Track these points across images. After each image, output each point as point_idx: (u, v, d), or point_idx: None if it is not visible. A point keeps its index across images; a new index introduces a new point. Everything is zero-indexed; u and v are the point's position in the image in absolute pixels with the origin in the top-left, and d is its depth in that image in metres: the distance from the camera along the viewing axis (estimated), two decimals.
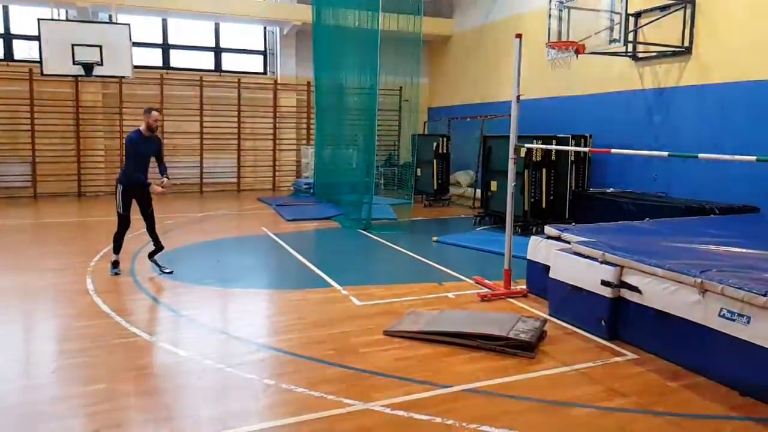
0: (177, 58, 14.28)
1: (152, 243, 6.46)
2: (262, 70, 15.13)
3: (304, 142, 15.20)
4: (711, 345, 3.70)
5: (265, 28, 14.91)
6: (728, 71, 7.91)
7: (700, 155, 4.67)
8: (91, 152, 13.26)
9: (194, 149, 14.07)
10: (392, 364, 3.93)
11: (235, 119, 14.36)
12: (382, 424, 3.15)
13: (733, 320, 3.56)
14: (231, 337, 4.54)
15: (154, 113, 6.21)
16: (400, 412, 3.25)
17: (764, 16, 7.43)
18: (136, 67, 12.73)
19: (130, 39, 11.69)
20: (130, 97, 13.29)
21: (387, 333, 4.48)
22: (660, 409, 3.35)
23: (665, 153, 5.47)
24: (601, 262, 4.49)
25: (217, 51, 14.61)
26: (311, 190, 13.14)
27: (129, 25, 11.81)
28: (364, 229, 9.06)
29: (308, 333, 4.53)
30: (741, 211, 7.19)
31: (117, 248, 6.27)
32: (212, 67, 14.55)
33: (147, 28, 13.79)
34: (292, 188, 14.52)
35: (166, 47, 14.14)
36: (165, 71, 13.86)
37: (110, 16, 12.22)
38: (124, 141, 6.46)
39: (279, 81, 14.79)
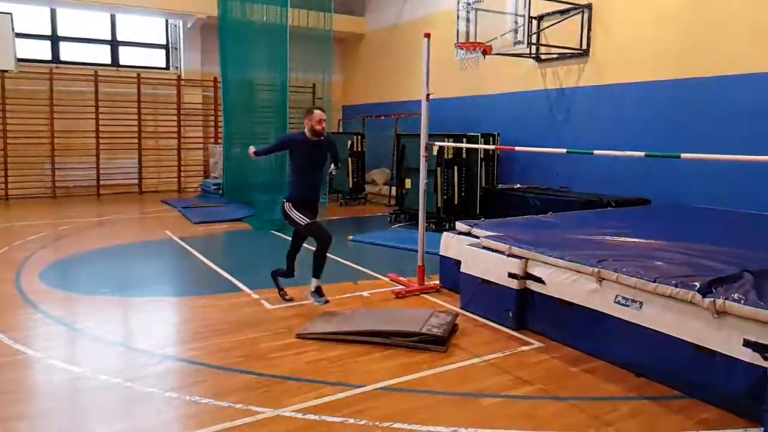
0: (68, 52, 13.28)
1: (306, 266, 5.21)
2: (164, 65, 14.40)
3: (211, 140, 14.62)
4: (608, 330, 3.90)
5: (166, 20, 14.21)
6: (621, 72, 8.44)
7: (595, 152, 4.93)
8: None
9: (89, 149, 13.14)
10: (304, 367, 3.82)
11: (135, 117, 13.56)
12: (293, 429, 3.04)
13: (627, 306, 3.77)
14: (130, 349, 4.25)
15: (317, 113, 4.94)
16: (312, 416, 3.16)
17: (654, 21, 7.99)
18: (20, 60, 11.74)
19: (13, 29, 10.73)
20: (15, 93, 12.21)
21: (299, 336, 4.36)
22: (563, 393, 3.48)
23: (563, 150, 5.74)
24: (508, 256, 4.62)
25: (114, 44, 13.74)
26: (220, 191, 12.67)
27: (11, 14, 10.83)
28: (277, 230, 8.84)
29: (215, 340, 4.32)
30: (635, 204, 7.69)
31: (321, 269, 4.98)
32: (108, 62, 13.65)
33: (33, 18, 12.72)
34: (199, 189, 13.92)
35: (55, 39, 13.12)
36: (55, 65, 12.85)
37: None
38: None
39: (183, 76, 14.14)
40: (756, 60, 6.85)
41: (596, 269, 3.95)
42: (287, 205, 5.03)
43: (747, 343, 3.12)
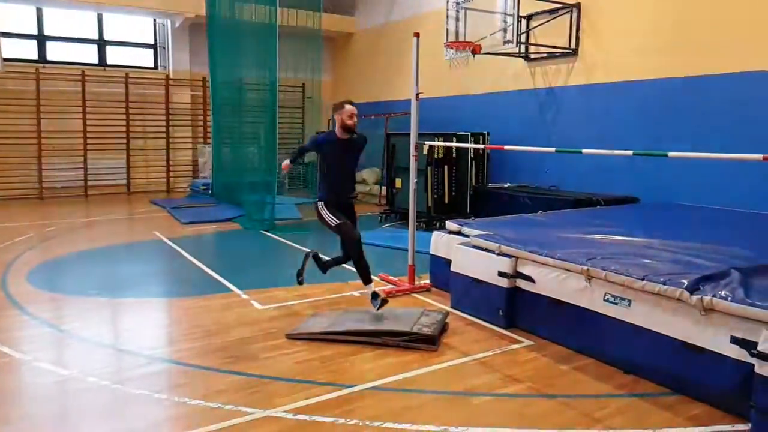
0: (55, 51, 13.15)
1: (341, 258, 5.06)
2: (152, 65, 14.30)
3: (200, 140, 14.54)
4: (598, 328, 3.92)
5: (154, 20, 14.11)
6: (610, 72, 8.48)
7: (584, 150, 4.96)
8: None
9: (77, 150, 13.01)
10: (294, 367, 3.81)
11: (123, 117, 13.45)
12: (283, 430, 3.03)
13: (616, 304, 3.79)
14: (119, 350, 4.21)
15: (348, 107, 4.68)
16: (303, 416, 3.15)
17: (642, 20, 8.03)
18: (6, 60, 11.61)
19: None
20: (1, 93, 12.08)
21: (289, 336, 4.34)
22: (552, 391, 3.50)
23: (552, 149, 5.76)
24: (498, 254, 4.63)
25: (101, 43, 13.62)
26: (210, 191, 12.59)
27: None
28: (267, 230, 8.81)
29: (205, 341, 4.29)
30: (623, 202, 7.74)
31: (367, 275, 4.70)
32: (96, 61, 13.54)
33: (19, 18, 12.58)
34: (188, 189, 13.84)
35: (41, 39, 12.99)
36: (41, 65, 12.71)
37: None
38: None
39: (171, 76, 14.04)
40: (742, 59, 6.91)
41: (585, 267, 3.96)
42: (319, 205, 4.80)
43: (734, 340, 3.14)
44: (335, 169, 4.77)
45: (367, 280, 4.68)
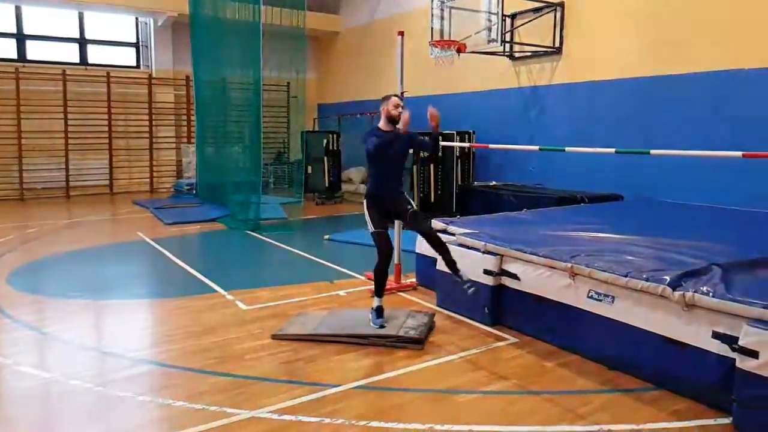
0: (35, 50, 12.96)
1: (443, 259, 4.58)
2: (134, 64, 14.15)
3: (184, 140, 14.41)
4: (582, 325, 3.95)
5: (136, 18, 13.96)
6: (594, 70, 8.55)
7: (567, 149, 5.00)
8: None
9: (58, 150, 12.84)
10: (280, 368, 3.79)
11: (105, 117, 13.29)
12: (269, 430, 3.01)
13: (600, 300, 3.82)
14: (102, 353, 4.16)
15: (394, 98, 4.51)
16: (288, 417, 3.13)
17: (624, 20, 8.10)
18: None
19: None
20: None
21: (275, 337, 4.32)
22: (537, 388, 3.52)
23: (536, 147, 5.79)
24: (483, 252, 4.64)
25: (82, 42, 13.45)
26: (194, 191, 12.49)
27: None
28: (252, 230, 8.76)
29: (189, 342, 4.25)
30: (607, 199, 7.79)
31: (380, 288, 4.50)
32: (77, 60, 13.36)
33: None
34: (172, 190, 13.72)
35: (21, 38, 12.79)
36: (21, 64, 12.52)
37: None
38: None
39: (154, 75, 13.91)
40: (723, 57, 6.99)
41: (569, 265, 3.99)
42: (365, 204, 4.58)
43: (716, 335, 3.18)
44: (380, 164, 4.53)
45: (378, 294, 4.50)
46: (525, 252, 4.36)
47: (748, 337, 2.96)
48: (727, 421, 3.08)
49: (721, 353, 3.15)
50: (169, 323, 4.75)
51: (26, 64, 12.61)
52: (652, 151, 4.15)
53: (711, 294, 3.23)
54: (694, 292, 3.29)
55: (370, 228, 4.52)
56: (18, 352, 4.11)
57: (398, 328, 4.25)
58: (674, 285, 3.40)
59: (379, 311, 4.43)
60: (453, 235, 5.28)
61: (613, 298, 3.75)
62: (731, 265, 3.69)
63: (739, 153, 3.77)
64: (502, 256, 4.54)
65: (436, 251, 4.55)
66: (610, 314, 3.75)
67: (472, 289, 4.33)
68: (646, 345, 3.53)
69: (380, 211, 4.52)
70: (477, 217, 6.15)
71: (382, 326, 4.33)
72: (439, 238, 4.55)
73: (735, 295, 3.16)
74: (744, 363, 2.96)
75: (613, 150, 4.56)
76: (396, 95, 4.68)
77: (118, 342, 4.38)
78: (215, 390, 3.47)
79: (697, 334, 3.27)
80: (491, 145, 5.82)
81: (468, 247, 4.83)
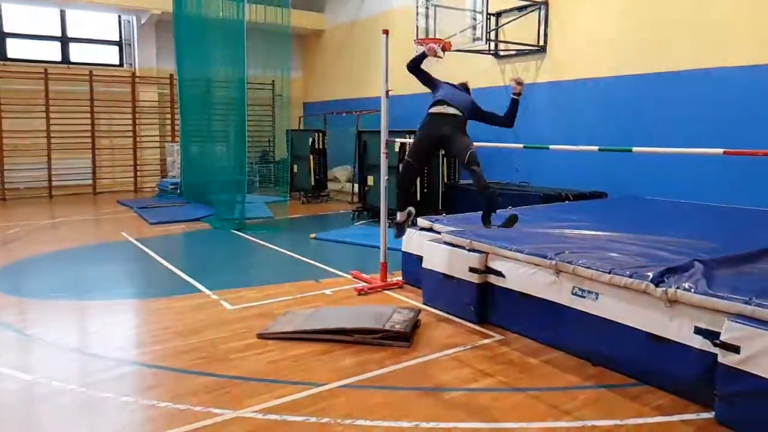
0: (16, 49, 12.76)
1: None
2: (117, 62, 13.99)
3: (168, 139, 14.29)
4: (566, 322, 3.97)
5: (119, 16, 13.80)
6: (578, 69, 8.61)
7: (551, 147, 5.04)
8: None
9: (40, 149, 12.67)
10: (265, 367, 3.77)
11: (88, 115, 13.14)
12: (254, 430, 3.00)
13: (584, 297, 3.85)
14: (85, 354, 4.11)
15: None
16: (274, 416, 3.12)
17: (609, 18, 8.16)
18: None
19: None
20: None
21: (260, 336, 4.30)
22: (522, 385, 3.53)
23: (521, 145, 5.82)
24: (469, 250, 4.65)
25: (64, 40, 13.27)
26: (178, 191, 12.39)
27: None
28: (237, 230, 8.70)
29: (173, 343, 4.22)
30: (591, 197, 7.86)
31: (400, 203, 4.93)
32: (59, 59, 13.20)
33: None
34: (156, 189, 13.59)
35: (1, 36, 12.58)
36: (2, 63, 12.34)
37: None
38: None
39: (137, 74, 13.77)
40: (705, 56, 7.08)
41: (554, 261, 4.01)
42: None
43: (698, 331, 3.22)
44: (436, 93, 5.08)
45: (400, 208, 5.04)
46: (510, 249, 4.38)
47: (729, 332, 3.00)
48: (709, 415, 3.12)
49: (703, 348, 3.18)
50: (154, 324, 4.70)
51: (7, 63, 12.43)
52: (634, 149, 4.20)
53: (693, 290, 3.26)
54: (677, 288, 3.33)
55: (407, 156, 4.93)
56: None
57: (384, 322, 4.24)
58: (657, 281, 3.44)
59: (398, 227, 5.09)
60: (439, 233, 5.30)
61: (597, 294, 3.78)
62: (713, 261, 3.74)
63: (720, 150, 3.82)
64: (488, 254, 4.56)
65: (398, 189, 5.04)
66: (594, 311, 3.78)
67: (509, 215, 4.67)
68: (630, 341, 3.56)
69: (420, 138, 4.91)
70: (463, 215, 6.17)
71: (399, 226, 4.97)
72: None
73: (717, 291, 3.19)
74: (726, 358, 3.00)
75: (596, 148, 4.61)
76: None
77: (101, 343, 4.34)
78: (200, 390, 3.44)
79: (680, 329, 3.31)
80: (475, 143, 5.84)
81: (453, 245, 4.84)
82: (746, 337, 2.93)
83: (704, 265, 3.61)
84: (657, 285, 3.42)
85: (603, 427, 3.03)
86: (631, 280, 3.54)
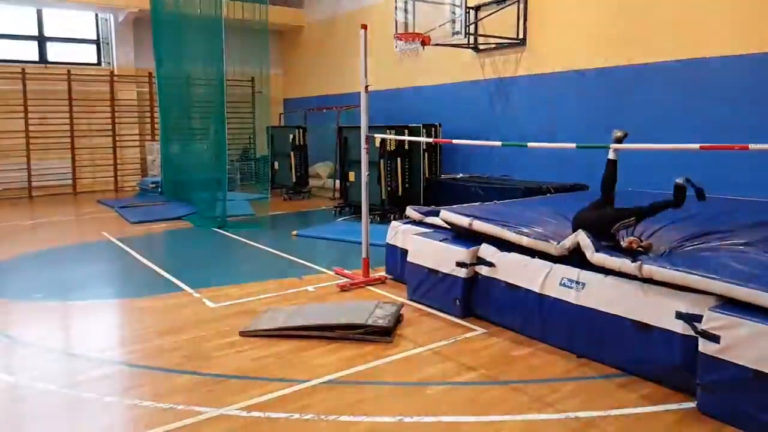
0: None
1: None
2: (95, 61, 13.79)
3: (148, 137, 14.13)
4: (551, 313, 3.99)
5: (96, 15, 13.60)
6: (558, 61, 8.65)
7: (529, 144, 5.07)
8: None
9: (20, 150, 12.45)
10: (248, 364, 3.76)
11: (67, 115, 12.94)
12: (237, 428, 2.99)
13: (571, 287, 3.87)
14: (67, 354, 4.07)
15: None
16: (257, 414, 3.11)
17: (588, 10, 8.20)
18: None
19: None
20: None
21: (243, 334, 4.28)
22: (505, 378, 3.55)
23: (499, 143, 5.85)
24: (467, 231, 4.65)
25: (41, 40, 13.04)
26: (159, 189, 12.25)
27: None
28: (219, 228, 8.64)
29: (156, 342, 4.18)
30: (573, 189, 7.91)
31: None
32: (36, 58, 12.97)
33: None
34: (137, 188, 13.43)
35: None
36: None
37: None
38: None
39: (116, 72, 13.58)
40: (685, 47, 7.12)
41: (555, 243, 4.04)
42: None
43: (679, 315, 3.24)
44: None
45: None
46: (514, 231, 4.36)
47: (710, 321, 3.04)
48: (692, 405, 3.14)
49: (684, 333, 3.21)
50: (136, 323, 4.66)
51: None
52: (612, 146, 4.26)
53: (668, 267, 3.34)
54: (653, 264, 3.40)
55: None
56: None
57: (366, 317, 4.24)
58: (634, 260, 3.52)
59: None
60: (429, 225, 5.28)
61: (583, 284, 3.80)
62: (691, 245, 3.80)
63: (696, 145, 3.88)
64: (481, 242, 4.54)
65: None
66: (580, 301, 3.80)
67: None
68: (614, 331, 3.59)
69: None
70: (460, 206, 6.16)
71: None
72: None
73: (691, 270, 3.26)
74: (706, 347, 3.03)
75: (574, 145, 4.67)
76: None
77: (83, 343, 4.29)
78: (183, 389, 3.42)
79: (661, 314, 3.33)
80: (454, 141, 5.84)
81: (441, 240, 4.83)
82: (726, 326, 2.97)
83: (683, 248, 3.67)
84: (633, 261, 3.50)
85: (586, 419, 3.06)
86: (613, 258, 3.65)
